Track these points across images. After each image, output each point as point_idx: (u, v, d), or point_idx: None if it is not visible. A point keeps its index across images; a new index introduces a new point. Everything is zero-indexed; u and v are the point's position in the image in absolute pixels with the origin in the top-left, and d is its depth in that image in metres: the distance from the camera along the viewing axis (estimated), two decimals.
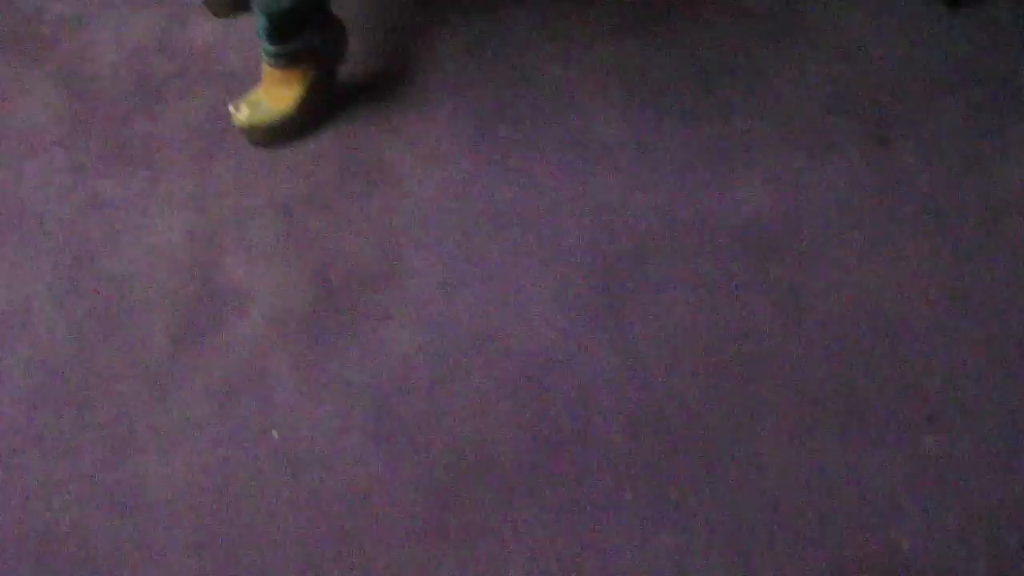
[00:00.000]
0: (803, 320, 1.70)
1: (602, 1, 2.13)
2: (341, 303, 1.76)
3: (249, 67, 2.07)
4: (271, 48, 1.86)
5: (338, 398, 1.66)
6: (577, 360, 1.67)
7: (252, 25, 2.11)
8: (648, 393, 1.63)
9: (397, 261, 1.80)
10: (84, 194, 1.96)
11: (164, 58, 2.16)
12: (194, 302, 1.79)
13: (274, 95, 1.91)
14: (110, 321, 1.78)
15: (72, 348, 1.75)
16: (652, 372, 1.65)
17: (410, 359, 1.69)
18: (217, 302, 1.78)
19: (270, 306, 1.77)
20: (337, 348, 1.71)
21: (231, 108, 1.94)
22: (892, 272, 1.75)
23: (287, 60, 1.87)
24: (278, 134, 1.93)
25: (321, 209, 1.87)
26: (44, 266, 1.87)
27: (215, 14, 2.20)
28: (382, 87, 2.02)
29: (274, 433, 1.64)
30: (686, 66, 2.01)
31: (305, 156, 1.95)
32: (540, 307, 1.73)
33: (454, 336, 1.71)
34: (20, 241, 1.91)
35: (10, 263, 1.88)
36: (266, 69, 1.90)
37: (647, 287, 1.74)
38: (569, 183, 1.87)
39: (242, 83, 2.04)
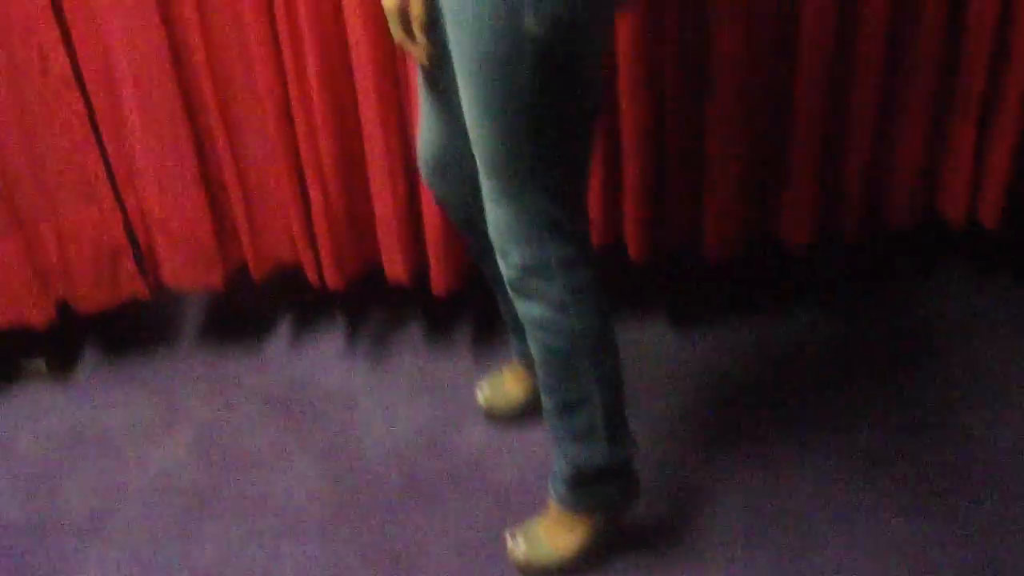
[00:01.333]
0: None
1: (895, 472, 2.06)
2: None
3: (524, 483, 2.04)
4: (565, 493, 1.83)
5: None
6: None
7: (529, 435, 2.12)
8: None
9: None
10: None
11: (434, 457, 2.14)
12: None
13: (556, 536, 1.86)
14: None
15: None
16: None
17: None
18: None
19: None
20: None
21: (508, 537, 1.90)
22: None
23: (579, 508, 1.84)
24: (553, 575, 1.88)
25: None
26: None
27: (491, 418, 2.19)
28: (657, 539, 1.94)
29: None
30: (971, 556, 1.91)
31: None
32: None
33: None
34: None
35: None
36: (553, 508, 1.87)
37: None
38: None
39: (517, 501, 2.01)
